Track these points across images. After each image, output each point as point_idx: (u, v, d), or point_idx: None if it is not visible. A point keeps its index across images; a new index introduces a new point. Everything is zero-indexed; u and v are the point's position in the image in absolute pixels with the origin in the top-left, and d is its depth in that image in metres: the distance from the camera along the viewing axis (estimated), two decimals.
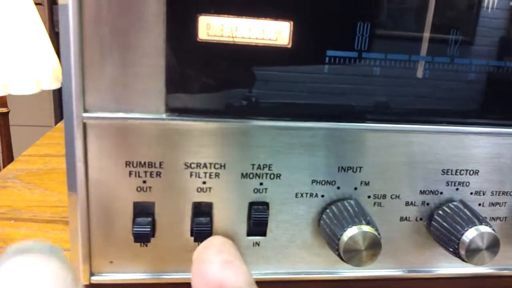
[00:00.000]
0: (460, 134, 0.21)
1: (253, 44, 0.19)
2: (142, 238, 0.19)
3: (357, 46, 0.20)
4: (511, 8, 0.20)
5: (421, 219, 0.22)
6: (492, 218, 0.23)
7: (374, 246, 0.19)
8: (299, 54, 0.19)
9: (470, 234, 0.20)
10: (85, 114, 0.18)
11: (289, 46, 0.19)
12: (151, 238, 0.20)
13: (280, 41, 0.19)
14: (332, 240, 0.20)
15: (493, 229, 0.20)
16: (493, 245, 0.20)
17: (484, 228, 0.20)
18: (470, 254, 0.20)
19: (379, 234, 0.19)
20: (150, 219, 0.20)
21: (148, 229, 0.19)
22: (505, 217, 0.23)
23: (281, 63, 0.20)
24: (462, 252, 0.20)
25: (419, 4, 0.20)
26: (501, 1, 0.20)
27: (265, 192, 0.20)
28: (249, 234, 0.21)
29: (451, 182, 0.22)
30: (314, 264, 0.22)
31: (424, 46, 0.20)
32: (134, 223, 0.20)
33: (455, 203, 0.22)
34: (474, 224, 0.20)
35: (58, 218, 0.30)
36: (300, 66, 0.20)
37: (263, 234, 0.21)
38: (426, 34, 0.20)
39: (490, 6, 0.20)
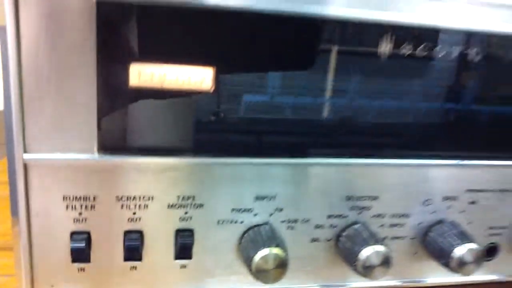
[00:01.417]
0: (363, 166, 0.25)
1: (180, 89, 0.22)
2: (79, 253, 0.22)
3: (268, 91, 0.23)
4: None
5: (329, 240, 0.26)
6: (394, 237, 0.27)
7: (281, 266, 0.22)
8: (221, 98, 0.23)
9: (365, 253, 0.23)
10: (25, 155, 0.21)
11: (212, 90, 0.22)
12: (88, 257, 0.22)
13: (205, 85, 0.22)
14: (247, 260, 0.23)
15: (387, 248, 0.24)
16: (386, 262, 0.24)
17: (379, 248, 0.24)
18: (366, 269, 0.23)
19: (287, 255, 0.23)
20: (85, 236, 0.22)
21: (83, 244, 0.22)
22: (405, 236, 0.27)
23: (204, 106, 0.23)
24: (360, 269, 0.24)
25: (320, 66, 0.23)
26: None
27: (190, 220, 0.23)
28: (176, 258, 0.24)
29: (355, 207, 0.25)
30: (239, 282, 0.25)
31: (328, 92, 0.24)
32: (71, 239, 0.22)
33: (357, 225, 0.25)
34: (370, 244, 0.24)
35: (4, 246, 0.31)
36: (220, 108, 0.23)
37: (189, 257, 0.24)
38: (329, 84, 0.23)
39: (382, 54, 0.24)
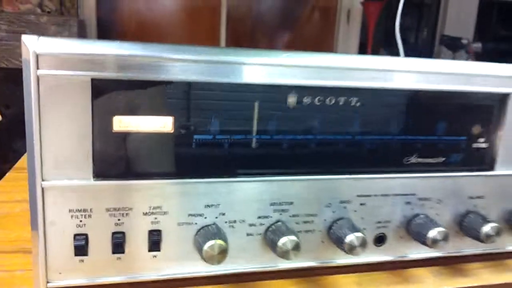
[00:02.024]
0: (281, 181, 0.35)
1: (149, 131, 0.32)
2: (80, 249, 0.31)
3: (212, 130, 0.33)
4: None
5: (260, 234, 0.36)
6: (306, 230, 0.37)
7: (223, 252, 0.32)
8: (179, 137, 0.33)
9: (282, 241, 0.34)
10: (43, 183, 0.30)
11: (172, 131, 0.32)
12: (87, 252, 0.32)
13: (167, 128, 0.32)
14: (199, 249, 0.33)
15: (298, 238, 0.34)
16: (297, 247, 0.34)
17: (292, 237, 0.34)
18: (284, 253, 0.34)
19: (227, 245, 0.33)
20: (84, 236, 0.32)
21: (83, 242, 0.31)
22: (314, 230, 0.37)
23: (167, 143, 0.33)
24: (279, 253, 0.34)
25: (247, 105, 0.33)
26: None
27: (158, 223, 0.33)
28: (149, 251, 0.34)
29: (277, 210, 0.36)
30: (194, 265, 0.35)
31: (254, 131, 0.34)
32: (74, 239, 0.32)
33: (279, 223, 0.36)
34: (286, 235, 0.34)
35: (18, 249, 0.40)
36: (179, 145, 0.33)
37: (158, 250, 0.34)
38: (255, 126, 0.34)
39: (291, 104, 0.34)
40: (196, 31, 2.89)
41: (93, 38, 2.68)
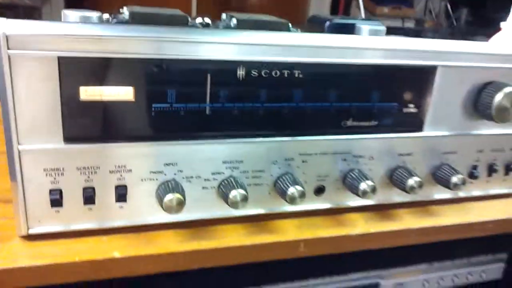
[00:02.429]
0: (233, 143, 0.40)
1: (112, 100, 0.36)
2: (55, 202, 0.36)
3: (169, 100, 0.37)
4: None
5: (214, 187, 0.41)
6: (255, 184, 0.43)
7: (180, 204, 0.38)
8: (139, 105, 0.37)
9: (232, 194, 0.39)
10: (19, 146, 0.35)
11: (133, 100, 0.37)
12: (61, 204, 0.37)
13: (128, 97, 0.36)
14: (160, 201, 0.38)
15: (246, 191, 0.40)
16: (245, 199, 0.40)
17: (241, 191, 0.39)
18: (233, 204, 0.40)
19: (184, 198, 0.38)
20: (58, 191, 0.37)
21: (58, 196, 0.36)
22: (262, 183, 0.43)
23: (129, 110, 0.37)
24: (229, 203, 0.40)
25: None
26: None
27: (124, 179, 0.38)
28: (116, 201, 0.39)
29: (229, 167, 0.41)
30: (156, 215, 0.41)
31: (207, 99, 0.38)
32: (50, 194, 0.37)
33: (230, 178, 0.41)
34: (235, 188, 0.40)
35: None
36: (140, 113, 0.37)
37: (125, 201, 0.39)
38: (208, 95, 0.38)
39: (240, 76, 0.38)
40: None
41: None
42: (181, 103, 0.38)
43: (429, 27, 3.09)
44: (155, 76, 0.36)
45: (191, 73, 0.37)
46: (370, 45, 0.41)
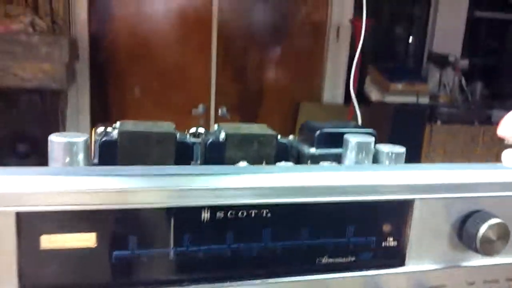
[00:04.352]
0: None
1: (75, 247, 0.35)
2: None
3: (130, 247, 0.37)
4: None
5: None
6: None
7: None
8: (100, 251, 0.36)
9: None
10: None
11: (94, 246, 0.36)
12: None
13: (91, 244, 0.36)
14: None
15: None
16: None
17: None
18: None
19: None
20: None
21: None
22: None
23: (88, 257, 0.36)
24: None
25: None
26: None
27: None
28: None
29: None
30: None
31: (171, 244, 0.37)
32: None
33: None
34: None
35: None
36: (100, 260, 0.36)
37: None
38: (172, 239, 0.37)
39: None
40: (188, 48, 2.92)
41: (85, 56, 2.72)
42: (143, 249, 0.37)
43: (444, 103, 3.10)
44: (114, 225, 0.36)
45: (152, 221, 0.36)
46: (341, 182, 0.40)
